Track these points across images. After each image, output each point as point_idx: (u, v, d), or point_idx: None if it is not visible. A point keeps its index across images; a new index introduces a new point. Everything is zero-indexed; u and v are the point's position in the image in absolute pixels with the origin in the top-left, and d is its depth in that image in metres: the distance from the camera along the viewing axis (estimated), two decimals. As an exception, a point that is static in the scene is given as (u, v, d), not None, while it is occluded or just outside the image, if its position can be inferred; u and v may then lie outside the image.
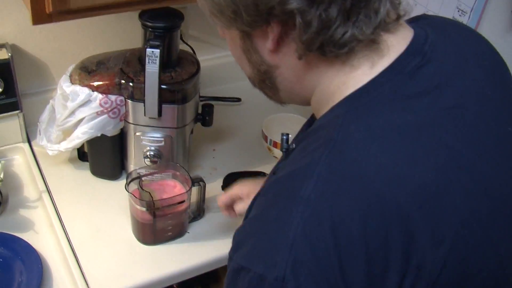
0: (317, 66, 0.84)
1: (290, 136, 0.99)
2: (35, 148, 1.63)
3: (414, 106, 0.79)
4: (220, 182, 1.60)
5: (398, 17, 0.84)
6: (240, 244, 0.80)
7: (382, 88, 0.80)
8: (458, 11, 1.35)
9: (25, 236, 1.38)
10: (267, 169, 1.65)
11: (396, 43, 0.83)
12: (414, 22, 0.89)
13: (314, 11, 0.76)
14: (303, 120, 1.76)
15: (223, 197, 1.35)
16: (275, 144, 1.67)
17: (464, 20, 1.34)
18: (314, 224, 0.72)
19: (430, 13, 1.43)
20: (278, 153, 1.67)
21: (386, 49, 0.82)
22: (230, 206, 1.35)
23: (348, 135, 0.77)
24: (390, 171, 0.75)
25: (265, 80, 0.91)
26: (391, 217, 0.73)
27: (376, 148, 0.76)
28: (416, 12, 1.44)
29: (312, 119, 0.98)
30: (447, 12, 1.38)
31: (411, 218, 0.73)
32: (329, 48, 0.80)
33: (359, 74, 0.82)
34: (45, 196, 1.50)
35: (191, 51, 1.65)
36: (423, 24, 0.89)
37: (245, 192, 1.31)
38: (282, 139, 0.95)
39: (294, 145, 0.91)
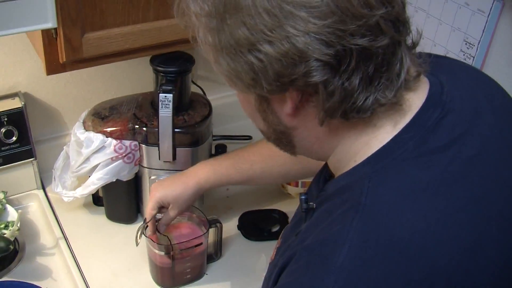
0: (338, 129, 0.82)
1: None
2: (49, 194, 1.64)
3: (439, 160, 0.78)
4: (235, 221, 1.60)
5: (418, 74, 0.82)
6: None
7: (406, 146, 0.78)
8: (466, 43, 1.37)
9: (43, 284, 1.38)
10: (281, 206, 1.66)
11: (416, 98, 0.82)
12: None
13: (337, 81, 0.74)
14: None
15: (151, 211, 1.36)
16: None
17: (471, 52, 1.35)
18: None
19: (437, 46, 1.44)
20: (291, 190, 1.67)
21: (408, 107, 0.80)
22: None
23: (377, 199, 0.75)
24: (424, 232, 0.73)
25: (281, 138, 0.88)
26: (430, 279, 0.71)
27: (407, 210, 0.74)
28: (423, 46, 1.46)
29: (325, 171, 0.96)
30: (455, 45, 1.40)
31: (450, 277, 0.72)
32: (352, 115, 0.78)
33: (381, 133, 0.80)
34: (62, 243, 1.50)
35: (201, 92, 1.66)
36: (433, 69, 0.87)
37: (168, 201, 1.35)
38: (301, 200, 0.92)
39: (314, 204, 0.88)
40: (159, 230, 1.36)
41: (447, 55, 1.42)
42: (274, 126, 0.86)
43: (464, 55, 1.37)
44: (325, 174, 0.96)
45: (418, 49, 0.87)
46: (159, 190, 1.35)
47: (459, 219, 0.75)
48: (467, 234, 0.75)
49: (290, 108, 0.80)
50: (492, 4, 1.28)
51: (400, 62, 0.77)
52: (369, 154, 0.80)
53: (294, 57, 0.73)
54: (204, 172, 1.36)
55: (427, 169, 0.77)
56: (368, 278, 0.71)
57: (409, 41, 0.82)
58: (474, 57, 1.35)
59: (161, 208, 1.37)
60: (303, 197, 0.91)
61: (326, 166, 0.94)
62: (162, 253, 1.34)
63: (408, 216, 0.74)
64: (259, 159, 1.36)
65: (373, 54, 0.74)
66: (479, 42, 1.33)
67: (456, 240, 0.74)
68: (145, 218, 1.38)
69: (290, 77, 0.74)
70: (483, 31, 1.31)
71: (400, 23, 0.76)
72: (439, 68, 0.90)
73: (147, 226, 1.38)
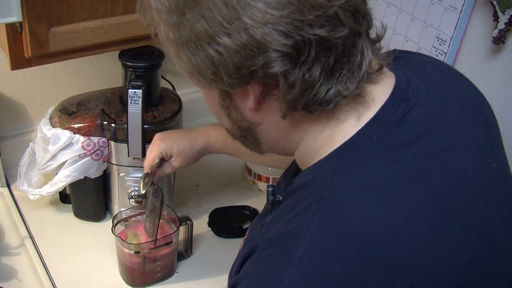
0: (302, 122, 0.83)
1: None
2: (15, 192, 1.60)
3: (403, 156, 0.78)
4: (205, 218, 1.58)
5: (381, 67, 0.83)
6: None
7: (370, 140, 0.78)
8: (438, 40, 1.36)
9: (8, 285, 1.35)
10: (252, 202, 1.64)
11: (381, 92, 0.82)
12: (392, 62, 0.87)
13: (297, 72, 0.75)
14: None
15: (152, 160, 1.31)
16: (259, 177, 1.66)
17: (443, 49, 1.35)
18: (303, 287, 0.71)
19: (409, 42, 1.44)
20: (262, 186, 1.66)
21: (371, 100, 0.81)
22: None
23: (340, 193, 0.75)
24: (385, 227, 0.73)
25: (246, 135, 0.89)
26: (390, 274, 0.72)
27: (369, 205, 0.74)
28: (395, 42, 1.45)
29: (295, 166, 0.96)
30: (427, 41, 1.40)
31: (410, 272, 0.72)
32: (314, 107, 0.78)
33: (345, 127, 0.80)
34: (28, 242, 1.46)
35: (171, 87, 1.63)
36: (402, 65, 0.88)
37: (173, 153, 1.31)
38: (268, 191, 0.92)
39: (280, 197, 0.88)
40: (154, 182, 1.32)
41: (420, 51, 1.42)
42: (238, 123, 0.86)
43: (436, 51, 1.37)
44: (294, 168, 0.97)
45: (391, 44, 0.86)
46: (165, 140, 1.32)
47: (421, 214, 0.75)
48: (428, 230, 0.75)
49: (252, 102, 0.81)
50: (465, 1, 1.28)
51: (361, 53, 0.78)
52: (333, 149, 0.80)
53: (252, 48, 0.73)
54: (215, 133, 1.34)
55: (390, 164, 0.78)
56: (325, 272, 0.71)
57: (373, 35, 0.83)
58: (446, 54, 1.35)
59: (162, 160, 1.33)
60: (270, 189, 0.92)
61: (295, 163, 0.95)
62: (132, 252, 1.32)
63: (369, 211, 0.74)
64: None
65: (333, 45, 0.74)
66: (451, 39, 1.33)
67: (417, 236, 0.74)
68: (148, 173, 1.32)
69: (249, 69, 0.75)
70: (455, 28, 1.31)
71: (359, 15, 0.77)
72: (408, 63, 0.91)
73: (117, 223, 1.35)
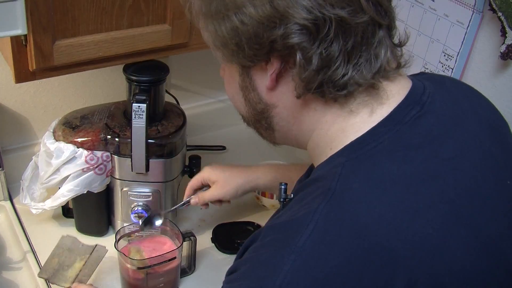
0: (315, 108, 0.85)
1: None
2: (17, 206, 1.59)
3: (414, 157, 0.79)
4: (209, 233, 1.57)
5: (398, 65, 0.85)
6: (229, 283, 0.81)
7: (382, 138, 0.80)
8: (444, 55, 1.35)
9: (10, 300, 1.33)
10: (256, 218, 1.63)
11: (396, 92, 0.83)
12: (412, 75, 0.90)
13: (315, 49, 0.77)
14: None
15: (193, 182, 1.39)
16: (263, 193, 1.64)
17: (450, 64, 1.34)
18: (304, 274, 0.72)
19: (415, 58, 1.43)
20: (266, 202, 1.65)
21: (385, 97, 0.83)
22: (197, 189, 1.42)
23: (347, 186, 0.77)
24: (390, 223, 0.74)
25: (261, 120, 0.91)
26: (389, 269, 0.72)
27: (375, 200, 0.75)
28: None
29: (309, 170, 0.97)
30: (433, 56, 1.39)
31: (411, 269, 0.73)
32: (328, 89, 0.80)
33: (358, 122, 0.82)
34: (30, 256, 1.45)
35: (175, 102, 1.62)
36: (421, 77, 0.90)
37: (213, 179, 1.36)
38: (280, 189, 0.95)
39: (292, 195, 0.90)
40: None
41: (426, 66, 1.41)
42: (254, 105, 0.89)
43: (443, 66, 1.36)
44: (308, 170, 0.98)
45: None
46: (208, 169, 1.39)
47: (427, 216, 0.76)
48: (433, 231, 0.75)
49: (269, 79, 0.84)
50: (471, 16, 1.27)
51: (379, 45, 0.81)
52: (345, 143, 0.82)
53: (274, 20, 0.77)
54: (265, 171, 1.39)
55: (400, 163, 0.79)
56: (326, 261, 0.72)
57: (396, 41, 0.86)
58: (453, 69, 1.33)
59: (203, 186, 1.40)
60: (282, 186, 0.96)
61: (311, 166, 0.96)
62: (134, 267, 1.30)
63: (376, 205, 0.75)
64: None
65: (353, 29, 0.78)
66: (458, 54, 1.32)
67: (422, 236, 0.75)
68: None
69: (269, 38, 0.78)
70: (462, 43, 1.30)
71: (381, 8, 0.80)
72: (427, 77, 0.93)
73: (120, 238, 1.34)
